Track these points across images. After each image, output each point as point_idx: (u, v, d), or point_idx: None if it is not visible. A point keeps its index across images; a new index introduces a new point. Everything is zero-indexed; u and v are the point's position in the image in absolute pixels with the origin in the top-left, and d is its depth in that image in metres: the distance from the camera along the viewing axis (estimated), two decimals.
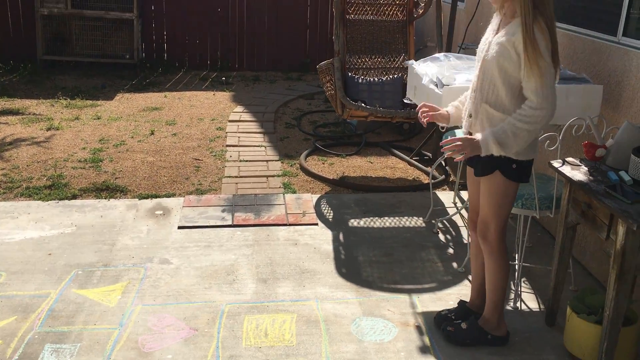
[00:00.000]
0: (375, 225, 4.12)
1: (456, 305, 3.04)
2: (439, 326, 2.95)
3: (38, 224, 3.99)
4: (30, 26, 8.68)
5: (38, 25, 8.49)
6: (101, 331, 2.90)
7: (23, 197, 4.45)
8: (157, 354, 2.75)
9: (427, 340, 2.89)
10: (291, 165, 5.27)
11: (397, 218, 4.24)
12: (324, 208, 4.38)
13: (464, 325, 2.86)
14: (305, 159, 5.36)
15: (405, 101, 4.54)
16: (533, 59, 2.38)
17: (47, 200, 4.37)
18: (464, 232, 4.00)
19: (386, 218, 4.23)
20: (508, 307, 3.17)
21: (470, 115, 2.67)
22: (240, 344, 2.84)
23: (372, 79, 5.18)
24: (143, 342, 2.84)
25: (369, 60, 5.36)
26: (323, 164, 5.33)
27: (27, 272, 3.40)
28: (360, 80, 5.11)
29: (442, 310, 3.04)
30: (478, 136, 2.56)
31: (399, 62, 5.39)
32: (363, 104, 4.81)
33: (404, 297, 3.26)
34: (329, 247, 3.80)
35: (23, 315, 3.00)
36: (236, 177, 4.96)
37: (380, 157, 5.54)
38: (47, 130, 6.01)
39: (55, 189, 4.56)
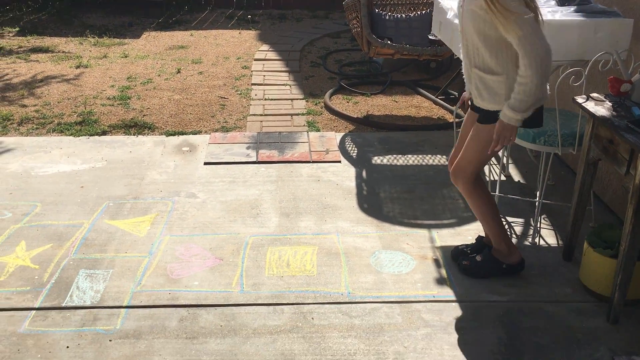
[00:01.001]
0: (397, 163, 4.16)
1: (474, 241, 3.09)
2: (455, 260, 3.02)
3: (70, 158, 4.12)
4: None
5: None
6: (132, 259, 3.05)
7: (55, 132, 4.58)
8: (185, 280, 2.89)
9: (444, 272, 2.97)
10: (316, 104, 5.28)
11: (420, 156, 4.26)
12: (347, 146, 4.41)
13: (478, 258, 2.92)
14: (330, 97, 5.36)
15: (430, 37, 4.47)
16: (501, 15, 2.30)
17: (78, 136, 4.49)
18: (486, 170, 4.01)
19: (409, 156, 4.25)
20: (526, 243, 3.21)
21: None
22: (263, 273, 2.95)
23: (399, 15, 5.08)
24: (171, 269, 2.97)
25: None
26: (347, 102, 5.33)
27: (61, 203, 3.55)
28: (387, 17, 5.03)
29: (460, 245, 3.10)
30: (502, 117, 2.50)
31: None
32: (389, 42, 4.75)
33: (423, 232, 3.32)
34: (351, 183, 3.86)
35: (58, 243, 3.16)
36: (261, 115, 5.01)
37: (405, 96, 5.51)
38: (76, 68, 6.10)
39: (85, 125, 4.68)
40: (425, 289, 2.85)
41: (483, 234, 3.08)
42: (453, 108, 5.05)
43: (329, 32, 7.70)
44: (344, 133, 4.66)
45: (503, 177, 3.83)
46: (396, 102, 5.37)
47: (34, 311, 2.65)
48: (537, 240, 3.24)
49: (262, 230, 3.34)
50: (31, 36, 7.30)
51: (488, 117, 2.60)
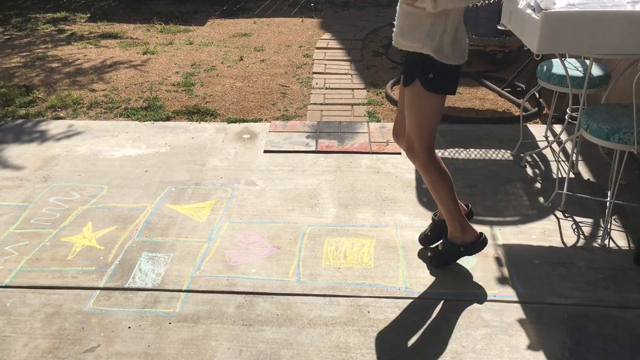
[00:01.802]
0: (459, 157, 4.05)
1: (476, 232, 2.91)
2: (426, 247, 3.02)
3: (135, 142, 4.23)
4: None
5: None
6: (192, 244, 3.10)
7: (122, 117, 4.71)
8: (242, 267, 2.92)
9: (505, 271, 2.88)
10: (377, 94, 5.22)
11: (483, 150, 4.14)
12: None
13: (440, 247, 2.90)
14: (392, 87, 5.28)
15: (499, 27, 4.32)
16: None
17: (144, 121, 4.61)
18: (554, 167, 3.86)
19: (472, 150, 4.14)
20: (595, 245, 3.07)
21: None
22: (320, 264, 2.94)
23: None
24: (229, 255, 3.01)
25: None
26: None
27: (126, 186, 3.65)
28: None
29: (421, 234, 3.07)
30: None
31: None
32: None
33: (484, 229, 3.22)
34: (410, 176, 3.79)
35: (122, 225, 3.25)
36: (321, 104, 4.99)
37: (469, 88, 5.36)
38: (143, 54, 6.25)
39: (150, 111, 4.79)
40: (485, 287, 2.77)
41: (549, 233, 2.96)
42: (520, 101, 4.87)
43: (392, 20, 7.57)
44: None
45: (572, 175, 3.67)
46: (460, 93, 5.24)
47: (99, 291, 2.73)
48: (606, 242, 3.09)
49: (320, 220, 3.33)
50: (101, 22, 7.54)
51: (407, 75, 2.53)
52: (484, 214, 3.36)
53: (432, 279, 2.82)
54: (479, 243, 2.82)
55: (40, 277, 2.82)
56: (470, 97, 5.15)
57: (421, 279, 2.83)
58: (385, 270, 2.89)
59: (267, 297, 2.71)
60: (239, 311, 2.62)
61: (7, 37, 6.91)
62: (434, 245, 3.00)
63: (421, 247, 3.06)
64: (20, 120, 4.61)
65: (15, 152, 4.07)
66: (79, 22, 7.57)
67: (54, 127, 4.48)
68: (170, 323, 2.55)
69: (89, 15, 7.90)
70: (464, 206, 2.99)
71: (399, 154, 4.07)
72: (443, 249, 2.89)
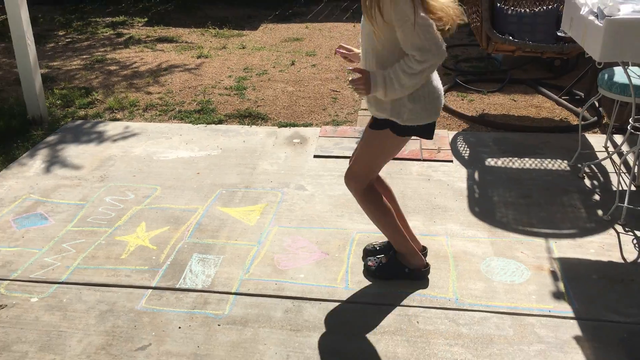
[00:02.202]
0: (513, 166, 3.95)
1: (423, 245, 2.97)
2: (364, 259, 2.96)
3: (188, 145, 4.31)
4: None
5: None
6: (241, 247, 3.13)
7: (176, 119, 4.80)
8: (291, 272, 2.92)
9: (561, 286, 2.78)
10: None
11: (538, 160, 4.03)
12: (460, 145, 4.26)
13: (384, 260, 2.87)
14: (444, 94, 5.20)
15: (559, 34, 4.20)
16: (388, 18, 2.23)
17: (197, 124, 4.69)
18: (614, 179, 3.72)
19: (526, 159, 4.04)
20: None
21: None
22: None
23: (523, 10, 4.83)
24: (278, 260, 3.02)
25: None
26: (462, 100, 5.15)
27: (179, 188, 3.72)
28: (509, 12, 4.79)
29: (368, 245, 3.03)
30: (374, 73, 2.36)
31: None
32: (511, 37, 4.53)
33: (539, 241, 3.13)
34: (462, 184, 3.72)
35: (174, 226, 3.31)
36: None
37: (525, 95, 5.23)
38: (197, 58, 6.37)
39: (203, 114, 4.87)
40: (540, 302, 2.69)
41: (607, 248, 2.85)
42: (578, 110, 4.73)
43: None
44: (456, 132, 4.51)
45: (633, 187, 3.52)
46: (515, 101, 5.12)
47: (151, 290, 2.79)
48: None
49: (369, 227, 3.28)
50: (158, 26, 7.73)
51: (379, 123, 2.51)
52: (539, 226, 3.27)
53: (484, 291, 2.76)
54: (423, 271, 2.83)
55: (96, 275, 2.89)
56: (525, 105, 5.02)
57: (472, 290, 2.76)
58: (435, 280, 2.84)
59: (315, 302, 2.71)
60: (287, 316, 2.62)
61: (69, 40, 7.16)
62: (375, 256, 2.95)
63: (473, 258, 3.00)
64: (79, 121, 4.76)
65: (74, 151, 4.21)
66: (137, 26, 7.78)
67: (111, 128, 4.61)
68: (219, 325, 2.57)
69: (146, 19, 8.11)
70: (420, 245, 2.94)
71: (451, 161, 4.00)
72: (388, 263, 2.86)
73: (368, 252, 3.01)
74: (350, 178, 2.70)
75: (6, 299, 2.72)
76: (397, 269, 2.84)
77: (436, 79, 2.49)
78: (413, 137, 2.58)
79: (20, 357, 2.39)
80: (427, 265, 2.85)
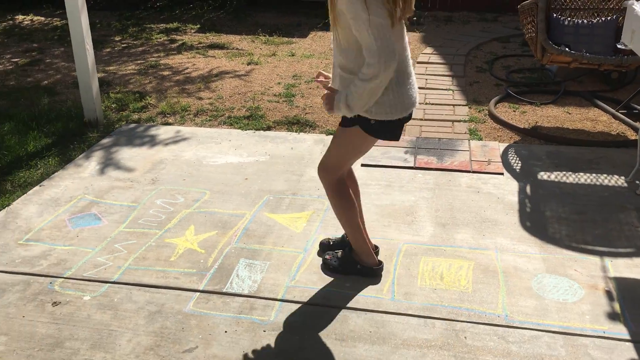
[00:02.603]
0: (567, 181, 3.85)
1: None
2: (321, 255, 3.07)
3: (237, 150, 4.36)
4: None
5: None
6: (288, 253, 3.13)
7: (225, 125, 4.87)
8: (336, 280, 2.91)
9: (617, 306, 2.68)
10: (479, 111, 5.07)
11: (594, 175, 3.90)
12: (511, 158, 4.18)
13: (339, 254, 2.96)
14: (495, 105, 5.12)
15: (618, 46, 4.08)
16: (344, 18, 2.27)
17: (245, 130, 4.74)
18: None
19: (581, 174, 3.92)
20: None
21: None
22: (415, 283, 2.88)
23: (580, 21, 4.71)
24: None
25: (578, 0, 4.86)
26: (514, 111, 5.05)
27: (227, 193, 3.76)
28: (566, 22, 4.68)
29: (324, 239, 3.13)
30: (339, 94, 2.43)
31: (614, 2, 4.82)
32: (567, 49, 4.42)
33: (594, 259, 3.03)
34: (513, 198, 3.64)
35: (222, 230, 3.35)
36: (421, 119, 4.92)
37: (579, 108, 5.09)
38: (247, 65, 6.45)
39: (252, 120, 4.93)
40: (594, 322, 2.60)
41: (635, 260, 2.74)
42: (637, 124, 4.57)
43: (497, 36, 7.38)
44: (508, 144, 4.42)
45: None
46: (569, 113, 4.99)
47: (198, 293, 2.82)
48: None
49: (416, 238, 3.26)
50: (210, 33, 7.87)
51: (347, 120, 2.55)
52: (594, 243, 3.16)
53: (535, 308, 2.68)
54: (376, 269, 2.91)
55: (146, 276, 2.95)
56: (580, 118, 4.88)
57: (523, 307, 2.69)
58: (484, 295, 2.78)
59: (361, 313, 2.69)
60: (332, 325, 2.61)
61: (125, 45, 7.37)
62: (334, 251, 3.03)
63: (524, 274, 2.92)
64: (133, 125, 4.88)
65: (127, 154, 4.32)
66: (189, 33, 7.94)
67: (163, 132, 4.71)
68: (264, 331, 2.58)
69: (198, 26, 8.27)
70: (372, 244, 3.00)
71: (502, 174, 3.92)
72: (343, 257, 2.95)
73: (323, 246, 3.11)
74: (322, 169, 2.78)
75: (60, 296, 2.80)
76: (350, 264, 2.93)
77: (410, 78, 2.49)
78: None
79: (72, 354, 2.46)
80: (379, 264, 2.94)
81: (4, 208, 3.58)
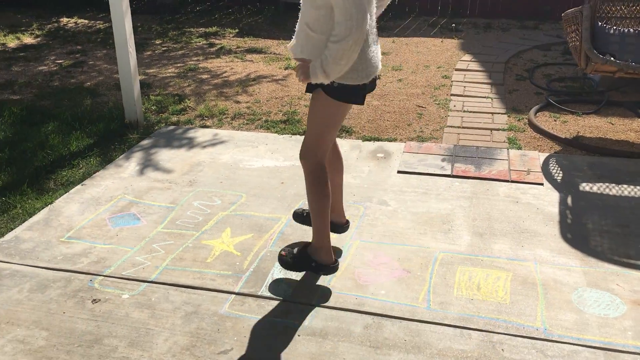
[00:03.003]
0: (610, 193, 3.75)
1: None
2: (295, 220, 3.18)
3: (273, 154, 4.39)
4: None
5: None
6: None
7: (262, 129, 4.91)
8: (372, 287, 2.89)
9: None
10: (519, 120, 5.00)
11: (637, 187, 3.80)
12: (551, 168, 4.10)
13: (295, 251, 2.92)
14: (535, 114, 5.03)
15: None
16: None
17: (282, 134, 4.77)
18: None
19: (624, 186, 3.82)
20: None
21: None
22: (452, 293, 2.85)
23: (626, 30, 4.60)
24: (359, 274, 3.00)
25: (624, 8, 4.75)
26: (555, 121, 4.96)
27: (263, 196, 3.79)
28: (611, 31, 4.58)
29: (298, 209, 3.20)
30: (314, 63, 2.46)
31: None
32: (612, 58, 4.32)
33: (637, 274, 2.95)
34: (553, 209, 3.57)
35: (258, 234, 3.37)
36: (458, 127, 4.87)
37: (623, 119, 4.97)
38: (284, 69, 6.49)
39: (289, 124, 4.95)
40: (636, 339, 2.52)
41: None
42: None
43: (538, 44, 7.27)
44: (548, 154, 4.34)
45: None
46: (612, 124, 4.87)
47: (234, 295, 2.84)
48: None
49: (453, 247, 3.22)
50: (248, 37, 7.95)
51: (311, 84, 2.60)
52: (637, 258, 3.08)
53: (574, 322, 2.62)
54: (331, 267, 2.89)
55: (182, 276, 2.98)
56: (624, 129, 4.77)
57: (562, 321, 2.63)
58: (522, 307, 2.73)
59: (396, 320, 2.67)
60: (367, 332, 2.60)
61: (165, 49, 7.50)
62: (291, 247, 2.98)
63: (564, 287, 2.86)
64: (172, 127, 4.96)
65: (166, 156, 4.38)
66: (228, 37, 8.04)
67: (201, 134, 4.77)
68: (299, 335, 2.58)
69: (237, 30, 8.37)
70: (345, 219, 3.12)
71: (541, 184, 3.85)
72: (298, 254, 2.92)
73: (296, 215, 3.20)
74: (302, 154, 2.78)
75: (99, 294, 2.85)
76: (305, 262, 2.90)
77: (371, 46, 2.56)
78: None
79: (111, 351, 2.50)
80: (335, 262, 2.90)
81: (47, 206, 3.67)
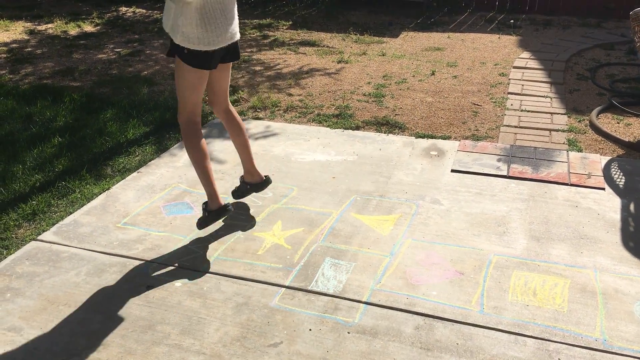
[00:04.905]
0: None
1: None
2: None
3: (325, 148, 4.37)
4: None
5: None
6: (373, 256, 3.10)
7: (314, 122, 4.90)
8: (423, 288, 2.85)
9: None
10: (579, 121, 4.83)
11: None
12: (613, 172, 3.94)
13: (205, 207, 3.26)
14: (597, 115, 4.85)
15: None
16: None
17: (334, 128, 4.74)
18: None
19: None
20: None
21: None
22: (506, 297, 2.77)
23: None
24: (410, 274, 2.96)
25: None
26: (618, 123, 4.77)
27: (314, 190, 3.78)
28: None
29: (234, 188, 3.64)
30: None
31: None
32: None
33: None
34: (615, 215, 3.43)
35: (309, 228, 3.36)
36: (515, 126, 4.74)
37: None
38: (337, 63, 6.46)
39: (341, 119, 4.92)
40: None
41: None
42: None
43: (600, 42, 7.00)
44: (610, 157, 4.18)
45: None
46: None
47: (284, 289, 2.85)
48: None
49: (508, 250, 3.14)
50: (301, 30, 7.95)
51: (170, 49, 3.03)
52: None
53: (637, 335, 2.51)
54: (219, 211, 3.18)
55: (234, 267, 3.01)
56: None
57: (623, 333, 2.53)
58: (581, 316, 2.64)
59: (448, 323, 2.62)
60: (418, 333, 2.56)
61: None
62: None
63: (625, 297, 2.75)
64: None
65: (218, 146, 4.43)
66: (282, 29, 8.06)
67: (254, 126, 4.79)
68: (348, 332, 2.56)
69: (290, 22, 8.38)
70: (262, 176, 3.51)
71: (603, 189, 3.71)
72: (202, 212, 3.25)
73: (233, 193, 3.63)
74: (178, 115, 3.16)
75: (154, 281, 2.90)
76: (203, 215, 3.23)
77: (217, 19, 2.94)
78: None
79: (163, 338, 2.54)
80: (222, 207, 3.18)
81: (105, 191, 3.76)
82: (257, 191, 3.56)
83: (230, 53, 3.16)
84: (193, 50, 2.95)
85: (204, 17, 2.91)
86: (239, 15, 3.18)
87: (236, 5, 3.10)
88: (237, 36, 3.11)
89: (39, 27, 8.15)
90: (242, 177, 3.59)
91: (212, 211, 3.20)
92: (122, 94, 5.54)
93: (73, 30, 8.07)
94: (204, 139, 3.17)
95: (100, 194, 3.74)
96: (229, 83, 3.36)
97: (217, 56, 3.06)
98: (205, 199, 3.24)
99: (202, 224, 3.22)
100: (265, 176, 3.54)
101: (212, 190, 3.18)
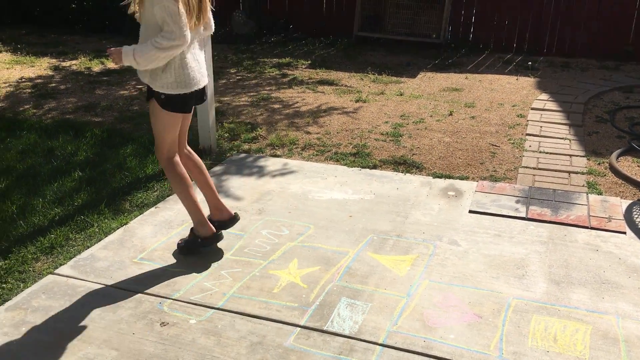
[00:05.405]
0: None
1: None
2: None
3: (342, 187, 4.37)
4: (351, 5, 9.47)
5: (357, 4, 9.21)
6: (390, 296, 3.06)
7: (332, 160, 4.91)
8: (440, 330, 2.80)
9: None
10: (599, 164, 4.79)
11: None
12: (635, 216, 3.88)
13: (187, 237, 3.43)
14: (617, 158, 4.81)
15: None
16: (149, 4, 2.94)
17: (351, 167, 4.75)
18: None
19: None
20: None
21: None
22: (526, 343, 2.71)
23: None
24: (427, 316, 2.91)
25: None
26: (638, 166, 4.72)
27: (331, 228, 3.76)
28: None
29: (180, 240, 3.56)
30: (125, 47, 2.99)
31: None
32: None
33: None
34: (637, 260, 3.37)
35: (325, 267, 3.34)
36: (534, 168, 4.71)
37: None
38: (355, 102, 6.52)
39: (359, 157, 4.94)
40: None
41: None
42: None
43: (620, 85, 7.00)
44: (631, 200, 4.12)
45: None
46: None
47: (299, 328, 2.81)
48: None
49: (527, 294, 3.08)
50: (320, 69, 8.06)
51: (148, 93, 3.19)
52: None
53: None
54: (213, 237, 3.38)
55: (249, 305, 2.98)
56: None
57: None
58: None
59: None
60: None
61: (239, 78, 7.70)
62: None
63: None
64: (243, 154, 5.05)
65: (236, 183, 4.45)
66: (300, 68, 8.18)
67: (271, 163, 4.82)
68: None
69: (309, 62, 8.50)
70: (231, 213, 3.56)
71: (624, 233, 3.65)
72: (187, 237, 3.42)
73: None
74: (156, 151, 3.30)
75: (168, 317, 2.89)
76: (193, 242, 3.39)
77: (192, 62, 3.12)
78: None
79: None
80: (215, 234, 3.37)
81: (122, 226, 3.79)
82: (224, 229, 3.55)
83: (198, 97, 3.30)
84: (170, 94, 3.11)
85: (182, 62, 3.09)
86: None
87: (204, 53, 3.32)
88: (207, 80, 3.30)
89: (64, 64, 8.36)
90: (193, 229, 3.42)
91: (207, 237, 3.38)
92: (142, 130, 5.62)
93: (96, 66, 8.27)
94: (184, 170, 3.33)
95: (117, 228, 3.76)
96: (189, 125, 3.48)
97: (191, 99, 3.23)
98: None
99: (188, 250, 3.40)
100: (235, 213, 3.60)
101: (202, 217, 3.36)
